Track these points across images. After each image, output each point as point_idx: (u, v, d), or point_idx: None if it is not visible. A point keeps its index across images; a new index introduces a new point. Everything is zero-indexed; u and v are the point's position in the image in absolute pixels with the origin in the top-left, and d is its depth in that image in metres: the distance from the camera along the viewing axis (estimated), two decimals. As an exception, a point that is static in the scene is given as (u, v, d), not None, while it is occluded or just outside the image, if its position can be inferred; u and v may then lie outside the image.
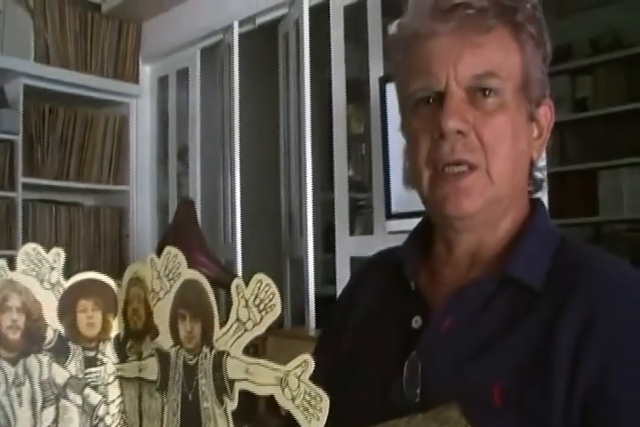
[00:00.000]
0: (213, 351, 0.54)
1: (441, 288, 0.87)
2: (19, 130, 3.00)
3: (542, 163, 0.92)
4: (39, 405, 0.65)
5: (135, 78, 3.50)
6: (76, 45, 3.24)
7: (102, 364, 0.67)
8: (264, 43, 3.18)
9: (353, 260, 2.44)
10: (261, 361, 0.50)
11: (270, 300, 0.50)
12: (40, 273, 0.66)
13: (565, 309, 0.75)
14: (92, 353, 0.66)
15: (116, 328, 0.67)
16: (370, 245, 2.05)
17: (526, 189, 0.89)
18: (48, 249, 0.67)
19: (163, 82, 3.55)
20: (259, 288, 0.50)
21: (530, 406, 0.73)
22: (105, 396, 0.67)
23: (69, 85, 3.20)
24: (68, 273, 0.67)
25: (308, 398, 0.47)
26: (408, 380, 0.81)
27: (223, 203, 3.12)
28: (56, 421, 0.65)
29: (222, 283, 1.06)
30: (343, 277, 2.41)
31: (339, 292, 2.29)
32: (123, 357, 0.67)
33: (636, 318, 0.74)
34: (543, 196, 0.94)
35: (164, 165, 3.54)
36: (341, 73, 2.54)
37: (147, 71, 3.57)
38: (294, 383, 0.48)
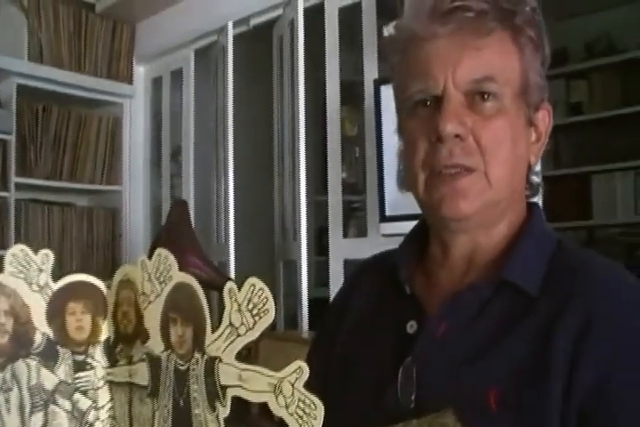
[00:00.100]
0: (205, 357, 0.53)
1: (436, 292, 0.86)
2: (12, 129, 2.99)
3: (537, 167, 0.92)
4: (27, 410, 0.64)
5: (129, 79, 3.49)
6: (69, 45, 3.23)
7: (92, 368, 0.65)
8: (258, 44, 3.17)
9: (346, 262, 2.44)
10: (254, 367, 0.49)
11: (264, 304, 0.49)
12: (28, 275, 0.64)
13: (562, 313, 0.75)
14: (81, 357, 0.65)
15: (105, 332, 0.66)
16: (363, 248, 2.04)
17: (524, 193, 0.89)
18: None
19: (156, 82, 3.54)
20: (252, 292, 0.49)
21: (527, 410, 0.72)
22: (95, 401, 0.65)
23: (63, 85, 3.19)
24: (60, 274, 0.66)
25: (302, 405, 0.46)
26: (403, 385, 0.80)
27: (216, 204, 3.11)
28: None
29: (215, 285, 1.05)
30: (336, 279, 2.41)
31: (332, 294, 2.29)
32: (113, 361, 0.65)
33: (632, 321, 0.74)
34: (537, 200, 0.94)
35: (157, 165, 3.54)
36: (336, 75, 2.53)
37: (140, 72, 3.56)
38: (288, 391, 0.47)
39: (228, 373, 0.51)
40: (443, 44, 0.81)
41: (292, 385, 0.46)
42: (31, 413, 0.64)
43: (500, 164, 0.81)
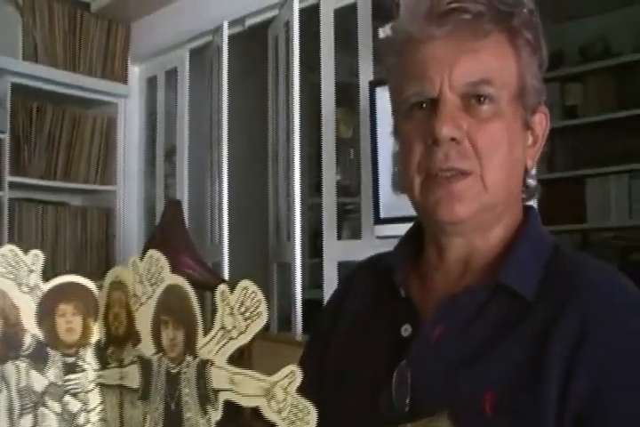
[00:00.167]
0: (197, 360, 0.52)
1: (431, 295, 0.86)
2: (6, 128, 2.97)
3: (533, 170, 0.92)
4: (17, 413, 0.63)
5: (124, 78, 3.48)
6: (64, 44, 3.22)
7: (82, 370, 0.65)
8: (254, 44, 3.16)
9: (340, 264, 2.43)
10: (247, 371, 0.48)
11: (256, 308, 0.48)
12: (18, 276, 0.64)
13: (558, 318, 0.74)
14: (71, 359, 0.64)
15: (96, 334, 0.65)
16: (357, 250, 2.04)
17: (520, 197, 0.89)
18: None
19: (151, 82, 3.53)
20: (244, 295, 0.49)
21: (522, 414, 0.72)
22: (85, 403, 0.65)
23: (58, 84, 3.18)
24: (54, 274, 0.65)
25: (294, 410, 0.45)
26: (397, 389, 0.80)
27: (210, 204, 3.10)
28: (34, 429, 0.63)
29: (209, 285, 1.04)
30: (330, 281, 2.40)
31: (326, 296, 2.29)
32: (103, 363, 0.65)
33: (625, 323, 0.74)
34: (532, 203, 0.94)
35: (151, 165, 3.52)
36: (331, 76, 2.53)
37: (135, 71, 3.55)
38: (281, 395, 0.46)
39: (220, 376, 0.50)
40: (439, 46, 0.80)
41: (285, 390, 0.46)
42: (20, 415, 0.63)
43: (496, 167, 0.81)
